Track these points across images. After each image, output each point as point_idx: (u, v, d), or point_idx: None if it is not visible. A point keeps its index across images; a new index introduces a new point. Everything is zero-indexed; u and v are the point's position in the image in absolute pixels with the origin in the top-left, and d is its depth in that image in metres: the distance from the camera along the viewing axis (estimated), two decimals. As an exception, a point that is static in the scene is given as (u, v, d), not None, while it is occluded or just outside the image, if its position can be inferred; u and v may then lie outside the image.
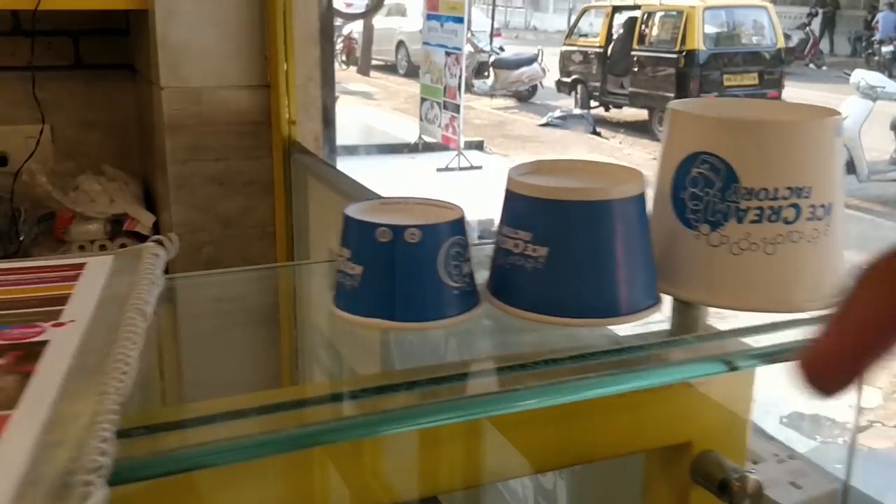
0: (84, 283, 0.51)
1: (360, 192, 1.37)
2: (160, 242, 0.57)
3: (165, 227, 1.75)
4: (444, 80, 7.37)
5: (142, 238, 1.78)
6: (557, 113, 10.89)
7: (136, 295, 0.48)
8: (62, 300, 0.48)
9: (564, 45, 12.27)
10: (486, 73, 12.49)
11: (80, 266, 0.54)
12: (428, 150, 8.05)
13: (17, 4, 1.54)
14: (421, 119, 7.92)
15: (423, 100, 7.76)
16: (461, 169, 7.65)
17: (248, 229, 1.71)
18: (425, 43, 7.59)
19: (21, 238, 1.80)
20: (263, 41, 1.60)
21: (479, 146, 8.88)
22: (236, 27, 1.59)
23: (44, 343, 0.42)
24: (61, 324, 0.45)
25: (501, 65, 12.31)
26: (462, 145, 7.57)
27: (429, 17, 7.45)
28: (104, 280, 0.51)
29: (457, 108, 7.38)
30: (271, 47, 1.59)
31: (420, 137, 8.16)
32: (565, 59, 11.97)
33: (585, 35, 12.13)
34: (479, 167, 7.82)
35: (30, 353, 0.41)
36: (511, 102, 12.45)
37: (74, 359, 0.40)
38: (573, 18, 14.06)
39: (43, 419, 0.34)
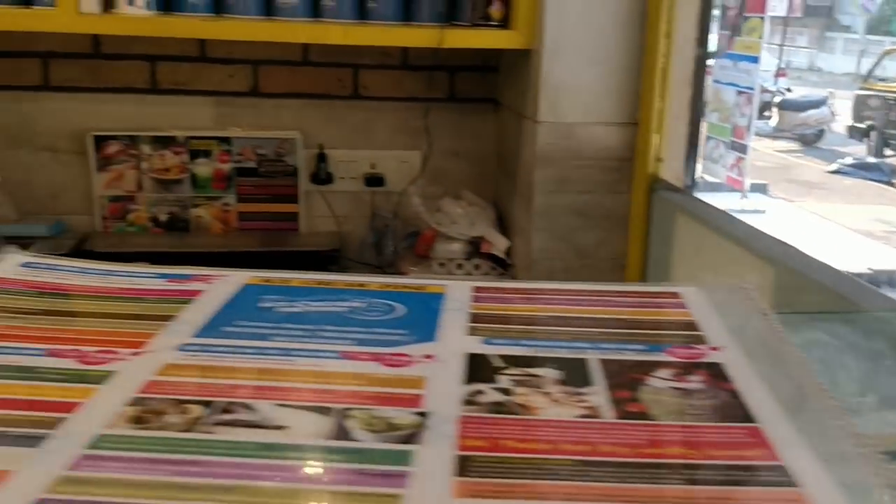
0: (696, 312, 0.56)
1: (738, 231, 1.37)
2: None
3: (519, 253, 1.85)
4: (733, 120, 7.15)
5: (496, 260, 1.89)
6: (848, 160, 10.17)
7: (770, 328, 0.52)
8: (691, 325, 0.53)
9: (860, 88, 11.45)
10: (768, 114, 11.95)
11: (677, 295, 0.59)
12: (709, 190, 7.83)
13: (425, 42, 1.70)
14: (704, 158, 7.72)
15: (708, 138, 7.57)
16: (742, 212, 7.36)
17: (600, 260, 1.76)
18: (716, 81, 7.41)
19: (389, 250, 1.98)
20: (638, 80, 1.65)
21: (762, 189, 8.50)
22: (614, 66, 1.65)
23: (717, 364, 0.47)
24: (715, 348, 0.49)
25: (788, 106, 11.72)
26: (748, 187, 7.29)
27: (722, 56, 7.27)
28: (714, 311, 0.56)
29: (744, 149, 7.12)
30: (646, 86, 1.63)
31: (702, 176, 7.96)
32: (861, 103, 11.16)
33: (885, 80, 11.25)
34: (763, 211, 7.48)
35: (716, 373, 0.46)
36: (794, 145, 11.80)
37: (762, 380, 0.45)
38: (868, 61, 13.09)
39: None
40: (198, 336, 0.49)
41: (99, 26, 1.62)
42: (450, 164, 1.99)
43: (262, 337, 0.48)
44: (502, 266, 1.89)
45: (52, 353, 0.46)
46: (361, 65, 1.95)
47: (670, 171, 1.69)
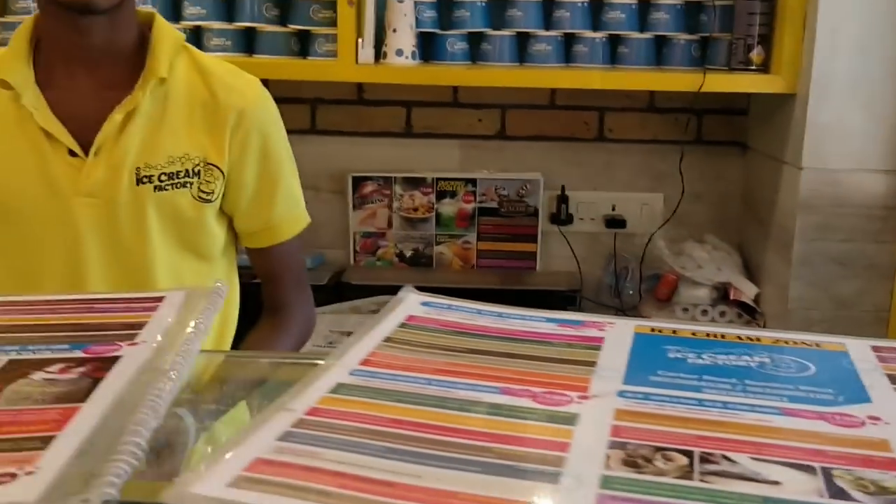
0: (160, 313, 0.60)
1: None
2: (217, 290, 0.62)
3: (770, 301, 1.80)
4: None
5: (744, 308, 1.84)
6: None
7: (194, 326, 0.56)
8: (140, 325, 0.57)
9: None
10: None
11: (161, 298, 0.62)
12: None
13: (683, 86, 1.71)
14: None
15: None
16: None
17: (861, 312, 1.68)
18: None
19: (628, 293, 1.98)
20: (913, 125, 1.58)
21: None
22: (885, 112, 1.58)
23: (117, 357, 0.52)
24: (134, 344, 0.54)
25: None
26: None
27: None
28: (177, 311, 0.59)
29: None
30: (924, 132, 1.55)
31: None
32: None
33: None
34: None
35: (105, 364, 0.51)
36: None
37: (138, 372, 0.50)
38: None
39: (98, 415, 0.45)
40: (628, 383, 0.51)
41: (373, 76, 1.74)
42: (692, 207, 1.96)
43: (694, 388, 0.50)
44: (749, 314, 1.84)
45: (505, 392, 0.49)
46: (607, 108, 1.97)
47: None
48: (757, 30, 1.70)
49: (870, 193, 1.63)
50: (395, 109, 2.00)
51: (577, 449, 0.43)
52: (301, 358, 0.93)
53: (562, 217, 2.00)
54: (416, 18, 1.79)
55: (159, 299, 0.61)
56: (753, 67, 1.71)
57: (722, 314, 1.86)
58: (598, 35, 1.83)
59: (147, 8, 1.09)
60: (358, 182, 2.01)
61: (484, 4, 1.84)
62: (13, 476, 0.39)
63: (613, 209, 2.02)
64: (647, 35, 1.82)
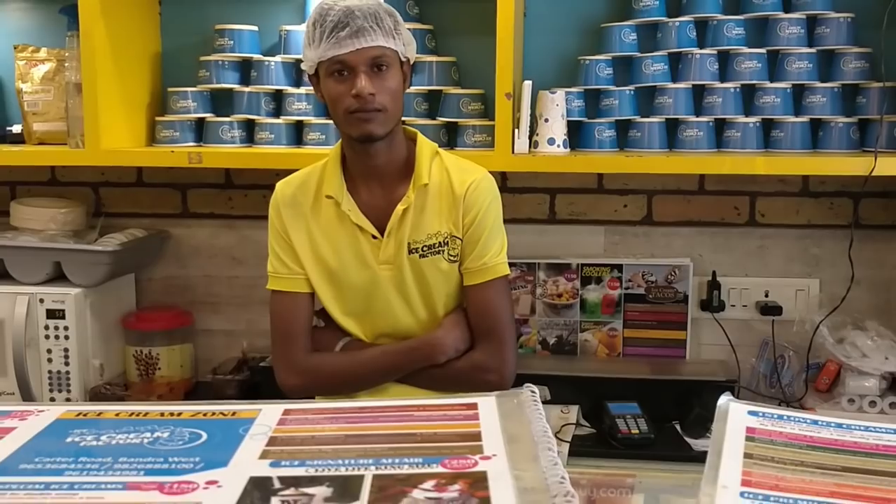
0: (485, 422, 0.59)
1: None
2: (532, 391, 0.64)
3: (947, 392, 1.70)
4: None
5: (917, 400, 1.74)
6: None
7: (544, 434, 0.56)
8: (476, 436, 0.56)
9: None
10: None
11: (474, 406, 0.62)
12: None
13: (848, 169, 1.66)
14: None
15: None
16: None
17: None
18: None
19: (786, 382, 1.89)
20: None
21: None
22: None
23: (484, 473, 0.51)
24: (487, 457, 0.53)
25: None
26: None
27: None
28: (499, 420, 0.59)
29: None
30: None
31: None
32: None
33: None
34: None
35: (477, 481, 0.51)
36: None
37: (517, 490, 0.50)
38: None
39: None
40: None
41: (528, 165, 1.75)
42: (851, 292, 1.88)
43: (55, 472, 0.54)
44: (924, 406, 1.73)
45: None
46: (759, 192, 1.93)
47: None
48: (925, 111, 1.65)
49: None
50: (539, 196, 2.00)
51: None
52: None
53: (714, 303, 1.95)
54: (567, 108, 1.81)
55: (473, 406, 0.63)
56: (922, 149, 1.66)
57: (892, 405, 1.76)
58: (751, 120, 1.80)
59: (411, 129, 1.48)
60: (503, 269, 2.01)
61: (632, 93, 1.85)
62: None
63: (767, 295, 1.96)
64: (803, 118, 1.79)
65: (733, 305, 1.97)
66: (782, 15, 1.78)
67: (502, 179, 2.00)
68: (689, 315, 1.97)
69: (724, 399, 0.63)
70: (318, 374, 1.43)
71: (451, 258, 1.42)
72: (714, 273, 1.94)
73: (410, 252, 1.40)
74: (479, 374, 1.42)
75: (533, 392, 0.62)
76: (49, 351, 1.86)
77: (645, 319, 2.00)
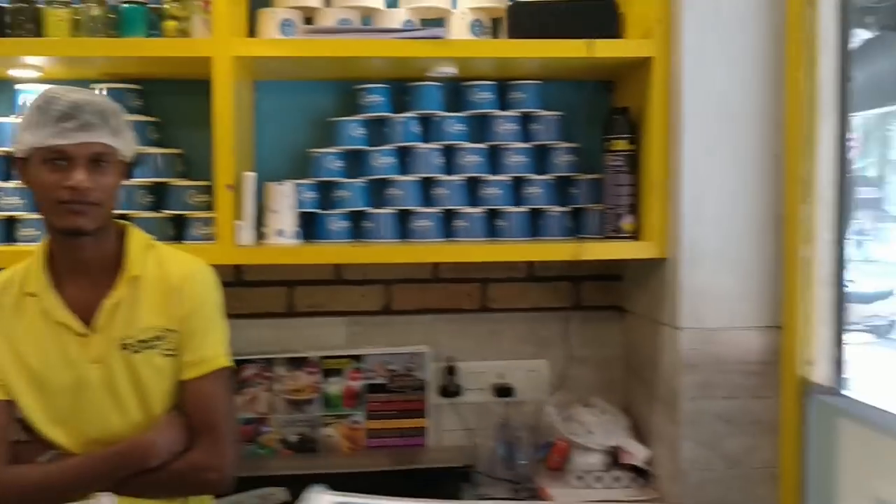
0: None
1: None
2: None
3: (662, 462, 1.80)
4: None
5: (637, 471, 1.84)
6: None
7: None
8: None
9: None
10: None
11: None
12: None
13: (560, 255, 1.76)
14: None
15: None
16: None
17: (752, 470, 1.70)
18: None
19: (521, 463, 1.93)
20: (778, 283, 1.67)
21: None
22: (753, 271, 1.68)
23: None
24: None
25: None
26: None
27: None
28: None
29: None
30: (789, 289, 1.64)
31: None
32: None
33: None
34: None
35: None
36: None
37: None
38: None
39: None
40: None
41: (253, 257, 1.71)
42: (578, 371, 1.99)
43: None
44: (644, 477, 1.83)
45: None
46: (489, 279, 2.01)
47: (820, 373, 1.66)
48: (626, 199, 1.80)
49: (745, 350, 1.69)
50: (276, 290, 1.96)
51: None
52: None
53: (451, 389, 1.98)
54: (298, 199, 1.80)
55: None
56: (625, 235, 1.80)
57: (616, 479, 1.85)
58: (477, 210, 1.88)
59: (122, 222, 1.44)
60: (238, 365, 1.92)
61: (363, 185, 1.87)
62: None
63: (501, 377, 2.02)
64: (524, 209, 1.89)
65: (470, 389, 2.00)
66: (499, 112, 1.89)
67: (237, 273, 1.94)
68: (429, 402, 1.98)
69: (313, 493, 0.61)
70: (13, 487, 1.31)
71: (167, 352, 1.39)
72: (449, 358, 1.98)
73: (124, 348, 1.37)
74: (197, 473, 1.36)
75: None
76: None
77: (387, 409, 1.99)
